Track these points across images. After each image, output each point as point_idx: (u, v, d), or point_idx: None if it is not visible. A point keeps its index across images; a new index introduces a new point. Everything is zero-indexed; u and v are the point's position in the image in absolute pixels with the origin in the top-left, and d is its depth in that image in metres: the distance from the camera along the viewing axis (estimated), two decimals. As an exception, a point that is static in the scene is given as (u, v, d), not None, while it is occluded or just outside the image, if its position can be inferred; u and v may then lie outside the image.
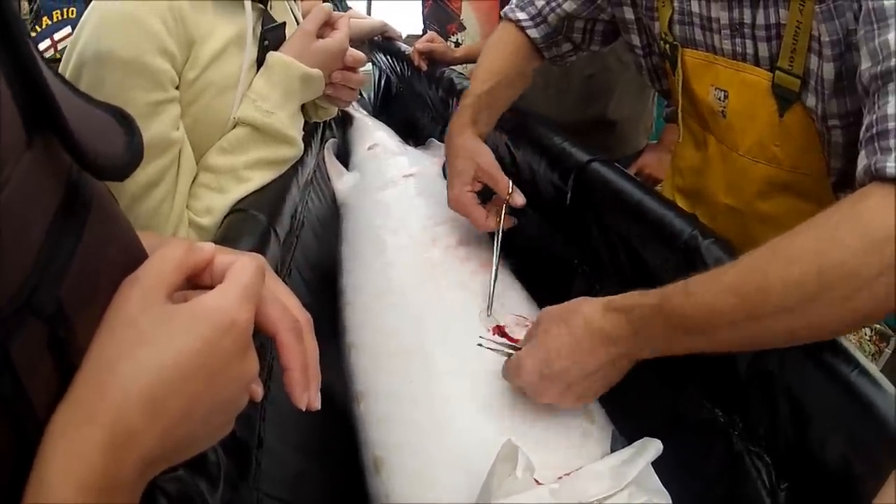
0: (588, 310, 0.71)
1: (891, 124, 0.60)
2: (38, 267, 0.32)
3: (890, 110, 0.61)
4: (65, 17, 1.29)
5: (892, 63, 0.62)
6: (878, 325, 2.62)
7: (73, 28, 1.27)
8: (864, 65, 0.66)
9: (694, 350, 0.65)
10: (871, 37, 0.65)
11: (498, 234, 0.97)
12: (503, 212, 0.98)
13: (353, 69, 1.11)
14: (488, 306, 0.88)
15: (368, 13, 3.53)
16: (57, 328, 0.33)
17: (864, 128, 0.64)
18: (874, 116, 0.63)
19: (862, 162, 0.62)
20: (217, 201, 0.92)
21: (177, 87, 0.87)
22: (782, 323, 0.58)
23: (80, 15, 1.27)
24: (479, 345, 0.82)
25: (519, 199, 0.98)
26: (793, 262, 0.58)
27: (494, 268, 0.92)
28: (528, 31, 1.14)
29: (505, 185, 0.98)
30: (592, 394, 0.73)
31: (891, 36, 0.63)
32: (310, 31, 1.02)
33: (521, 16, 1.14)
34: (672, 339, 0.65)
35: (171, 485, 0.42)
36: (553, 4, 1.11)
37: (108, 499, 0.33)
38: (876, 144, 0.61)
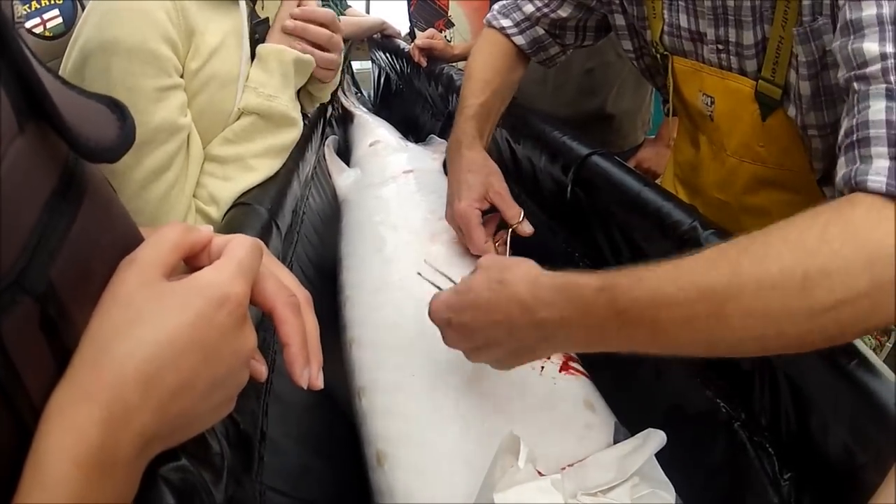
0: (520, 274, 0.64)
1: (872, 132, 0.58)
2: (30, 246, 0.32)
3: (871, 116, 0.59)
4: (52, 2, 1.33)
5: (870, 69, 0.61)
6: (878, 320, 2.62)
7: (60, 11, 1.31)
8: (841, 72, 0.65)
9: (634, 349, 0.59)
10: (846, 44, 0.64)
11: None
12: (508, 238, 0.96)
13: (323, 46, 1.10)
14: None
15: (367, 11, 3.54)
16: (47, 307, 0.34)
17: (842, 132, 0.62)
18: (854, 122, 0.60)
19: (842, 169, 0.59)
20: (223, 190, 0.93)
21: (181, 76, 0.88)
22: (751, 328, 0.52)
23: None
24: (419, 273, 0.85)
25: (527, 229, 0.95)
26: (771, 258, 0.52)
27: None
28: (514, 38, 1.14)
29: (516, 212, 0.95)
30: (496, 361, 0.68)
31: (866, 44, 0.61)
32: (286, 25, 1.05)
33: (506, 23, 1.14)
34: (612, 331, 0.58)
35: (174, 475, 0.41)
36: (545, 10, 1.11)
37: (106, 475, 0.33)
38: (856, 152, 0.58)
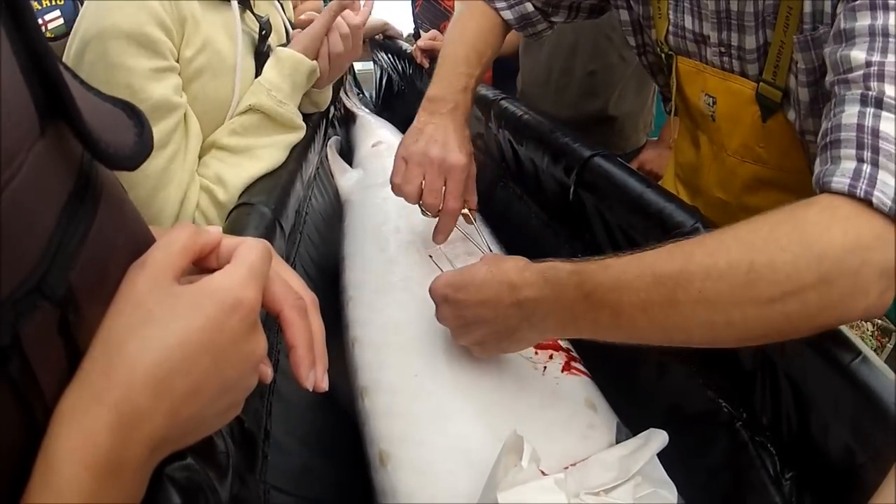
0: (513, 262, 0.70)
1: (843, 134, 0.60)
2: (50, 251, 0.32)
3: (844, 119, 0.61)
4: (53, 3, 1.34)
5: (852, 75, 0.63)
6: (879, 321, 2.62)
7: (62, 12, 1.35)
8: (828, 76, 0.67)
9: (602, 334, 0.63)
10: (836, 51, 0.66)
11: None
12: (473, 213, 0.99)
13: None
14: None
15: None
16: (67, 312, 0.34)
17: (820, 133, 0.65)
18: (829, 124, 0.63)
19: (816, 169, 0.62)
20: (230, 173, 0.97)
21: (176, 61, 0.92)
22: (701, 315, 0.56)
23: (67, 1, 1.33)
24: (430, 256, 0.91)
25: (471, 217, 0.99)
26: (721, 251, 0.56)
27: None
28: (502, 13, 1.12)
29: (473, 201, 0.98)
30: (481, 343, 0.73)
31: (854, 52, 0.64)
32: (319, 34, 1.13)
33: None
34: (580, 313, 0.63)
35: (180, 473, 0.41)
36: None
37: (115, 478, 0.33)
38: (828, 153, 0.61)
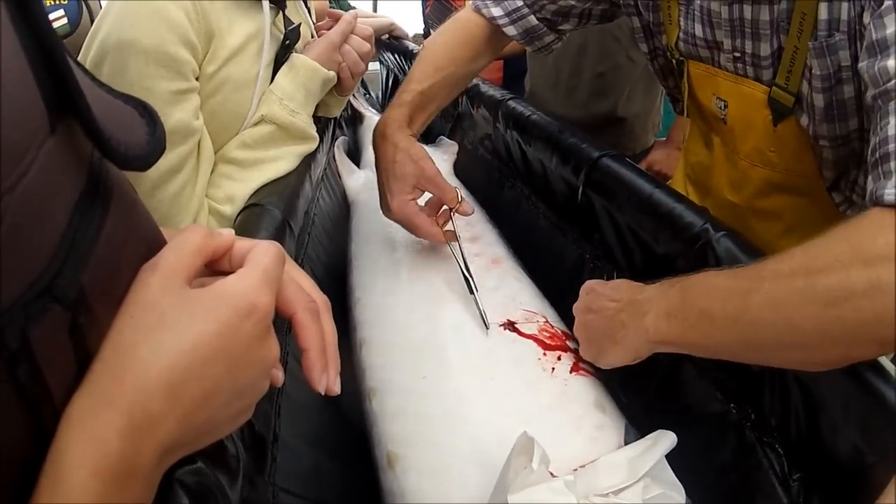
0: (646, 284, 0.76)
1: (890, 146, 0.60)
2: (61, 252, 0.32)
3: (890, 132, 0.61)
4: (57, 2, 1.33)
5: (891, 84, 0.62)
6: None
7: (66, 12, 1.32)
8: (869, 91, 0.67)
9: (688, 336, 0.65)
10: (873, 64, 0.65)
11: (459, 246, 0.94)
12: (453, 220, 0.96)
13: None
14: (484, 322, 0.85)
15: (374, 12, 3.54)
16: (78, 314, 0.33)
17: (869, 150, 0.64)
18: (877, 139, 0.63)
19: (869, 186, 0.61)
20: (238, 189, 0.94)
21: (197, 79, 0.88)
22: (766, 315, 0.58)
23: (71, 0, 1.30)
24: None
25: (467, 209, 0.96)
26: (786, 258, 0.59)
27: (471, 282, 0.90)
28: (506, 29, 1.09)
29: (453, 194, 0.96)
30: (588, 338, 0.79)
31: (891, 62, 0.63)
32: (336, 43, 1.10)
33: (497, 12, 1.08)
34: (674, 310, 0.66)
35: (190, 477, 0.41)
36: None
37: (125, 484, 0.32)
38: (879, 169, 0.61)
